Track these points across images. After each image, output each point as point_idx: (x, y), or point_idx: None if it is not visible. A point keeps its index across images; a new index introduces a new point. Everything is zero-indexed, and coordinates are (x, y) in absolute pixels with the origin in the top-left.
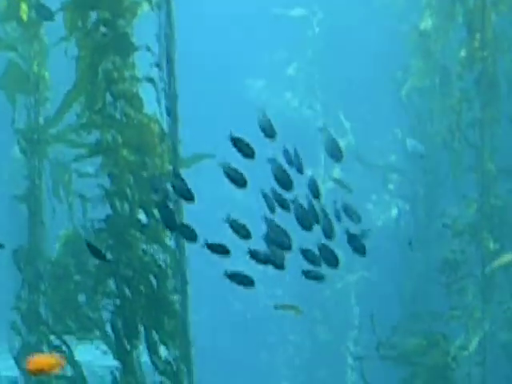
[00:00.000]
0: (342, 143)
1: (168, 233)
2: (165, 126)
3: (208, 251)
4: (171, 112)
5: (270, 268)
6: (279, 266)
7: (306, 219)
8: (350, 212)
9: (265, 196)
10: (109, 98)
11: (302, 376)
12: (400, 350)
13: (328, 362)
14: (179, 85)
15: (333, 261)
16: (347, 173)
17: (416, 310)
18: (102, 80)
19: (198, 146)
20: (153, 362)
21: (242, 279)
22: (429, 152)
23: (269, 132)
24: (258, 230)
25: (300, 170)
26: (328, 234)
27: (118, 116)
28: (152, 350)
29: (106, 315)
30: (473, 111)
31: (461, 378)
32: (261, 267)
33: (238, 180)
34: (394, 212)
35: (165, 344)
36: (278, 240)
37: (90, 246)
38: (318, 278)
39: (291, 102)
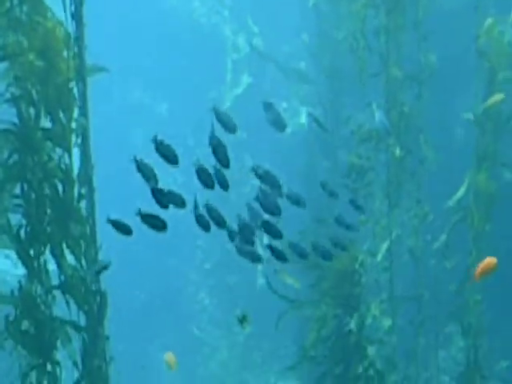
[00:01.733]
0: (251, 47)
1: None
2: (71, 31)
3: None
4: (77, 17)
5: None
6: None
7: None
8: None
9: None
10: (15, 0)
11: (211, 281)
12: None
13: (238, 268)
14: None
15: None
16: (257, 79)
17: (323, 215)
18: None
19: (109, 52)
20: (59, 268)
21: (120, 226)
22: (336, 58)
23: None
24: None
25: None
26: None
27: (23, 20)
28: (58, 256)
29: (14, 221)
30: (378, 18)
31: (368, 283)
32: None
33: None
34: (303, 118)
35: (71, 250)
36: None
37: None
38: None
39: (200, 8)
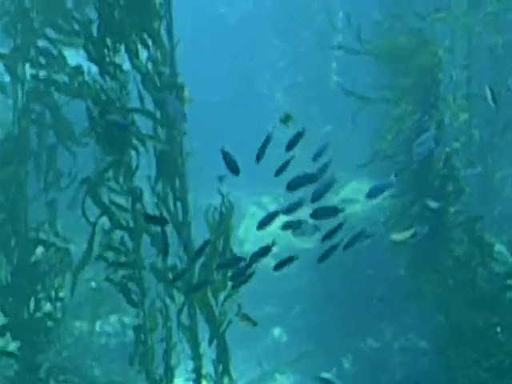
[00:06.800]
0: None
1: None
2: None
3: None
4: None
5: None
6: None
7: None
8: None
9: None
10: None
11: (285, 81)
12: (388, 47)
13: (309, 67)
14: None
15: None
16: None
17: None
18: None
19: None
20: (133, 66)
21: None
22: None
23: None
24: None
25: None
26: None
27: None
28: (133, 54)
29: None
30: None
31: (446, 80)
32: None
33: None
34: None
35: (146, 47)
36: None
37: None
38: None
39: None
